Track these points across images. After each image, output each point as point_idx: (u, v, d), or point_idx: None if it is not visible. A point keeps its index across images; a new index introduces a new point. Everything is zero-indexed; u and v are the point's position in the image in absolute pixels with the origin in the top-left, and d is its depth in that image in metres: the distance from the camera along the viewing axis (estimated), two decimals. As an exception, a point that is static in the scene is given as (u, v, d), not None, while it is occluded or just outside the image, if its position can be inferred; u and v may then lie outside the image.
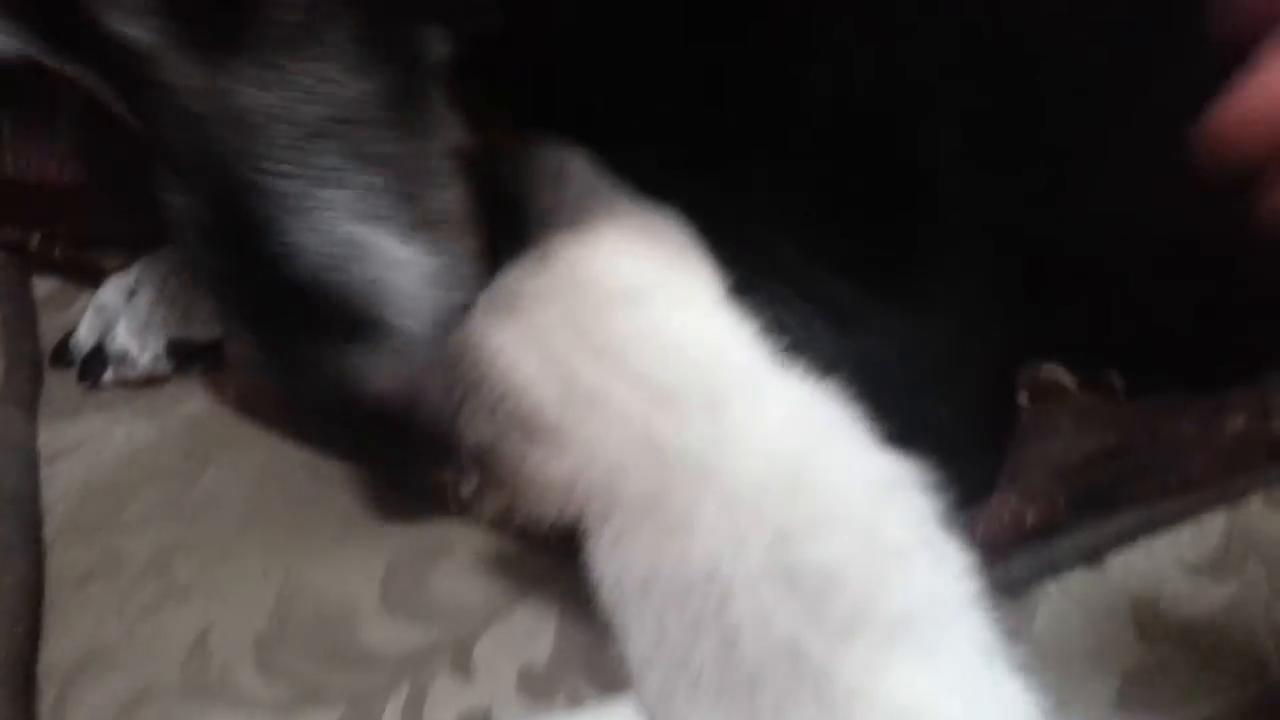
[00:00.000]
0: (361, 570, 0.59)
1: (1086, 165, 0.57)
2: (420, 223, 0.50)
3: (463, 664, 0.56)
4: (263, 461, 0.67)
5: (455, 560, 0.60)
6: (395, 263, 0.49)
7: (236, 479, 0.66)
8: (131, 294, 0.75)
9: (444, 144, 0.52)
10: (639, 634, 0.43)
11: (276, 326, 0.50)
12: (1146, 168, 0.54)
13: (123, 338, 0.73)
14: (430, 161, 0.51)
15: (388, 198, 0.49)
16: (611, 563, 0.44)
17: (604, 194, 0.50)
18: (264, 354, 0.52)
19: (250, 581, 0.60)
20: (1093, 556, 0.60)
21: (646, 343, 0.45)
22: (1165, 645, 0.58)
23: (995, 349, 0.62)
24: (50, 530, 0.66)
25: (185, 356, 0.73)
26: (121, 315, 0.74)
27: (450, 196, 0.52)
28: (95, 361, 0.74)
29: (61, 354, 0.76)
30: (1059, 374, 0.69)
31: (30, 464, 0.70)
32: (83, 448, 0.70)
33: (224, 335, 0.73)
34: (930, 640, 0.43)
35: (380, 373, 0.50)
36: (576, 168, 0.51)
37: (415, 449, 0.58)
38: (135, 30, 0.43)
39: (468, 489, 0.61)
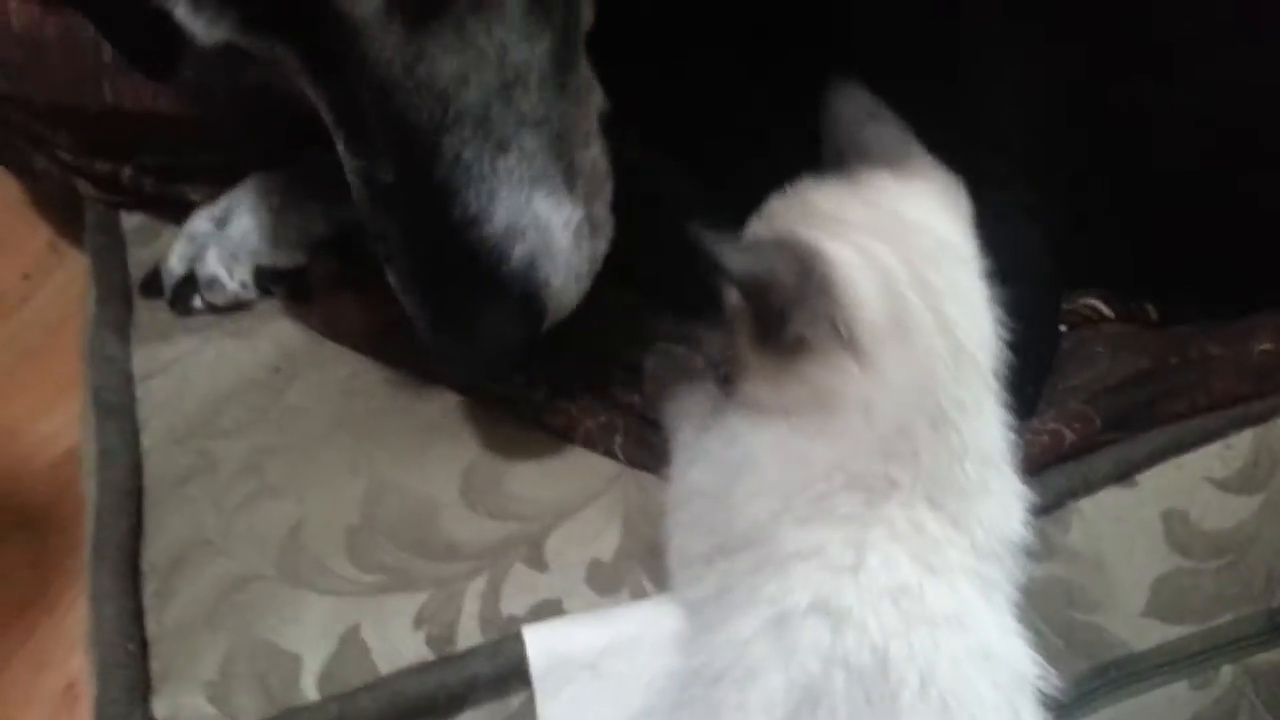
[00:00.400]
0: (443, 471, 0.64)
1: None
2: (573, 180, 0.55)
3: (536, 558, 0.61)
4: (345, 377, 0.71)
5: (529, 463, 0.64)
6: (558, 224, 0.54)
7: (322, 392, 0.71)
8: (221, 223, 0.79)
9: (592, 105, 0.57)
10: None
11: (450, 289, 0.54)
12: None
13: (212, 265, 0.78)
14: (582, 122, 0.56)
15: (550, 160, 0.54)
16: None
17: (909, 141, 0.54)
18: (429, 314, 0.55)
19: (339, 481, 0.64)
20: (1126, 474, 0.64)
21: (963, 299, 0.50)
22: (1194, 555, 0.62)
23: (1048, 276, 0.66)
24: (147, 440, 0.70)
25: (270, 282, 0.78)
26: (211, 243, 0.78)
27: (596, 153, 0.57)
28: (186, 288, 0.78)
29: (151, 284, 0.81)
30: (1097, 304, 0.73)
31: (126, 380, 0.74)
32: (175, 366, 0.74)
33: (307, 262, 0.78)
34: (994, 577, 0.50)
35: (532, 327, 0.55)
36: (887, 113, 0.55)
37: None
38: (354, 5, 0.48)
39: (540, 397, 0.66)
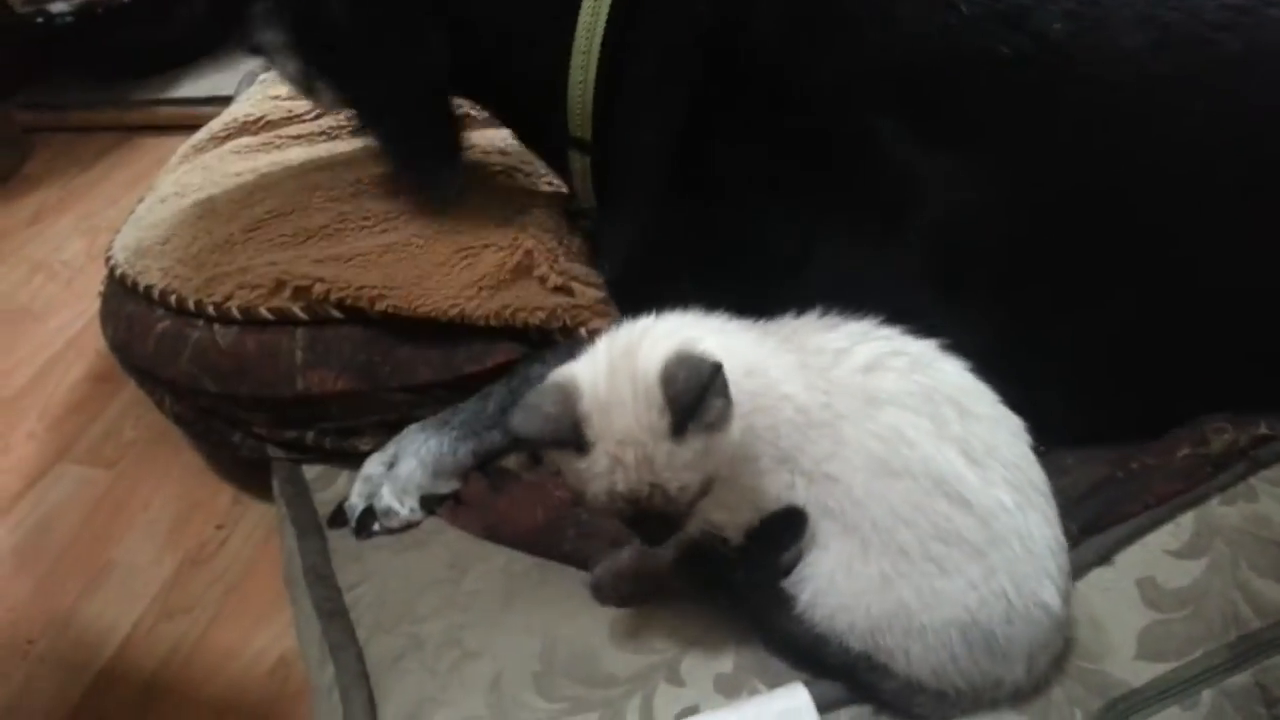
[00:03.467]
0: (596, 625, 0.86)
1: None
2: None
3: (675, 677, 0.82)
4: (504, 564, 0.94)
5: (660, 611, 0.86)
6: None
7: (489, 578, 0.93)
8: (390, 465, 1.04)
9: None
10: None
11: None
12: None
13: (387, 498, 1.02)
14: None
15: None
16: None
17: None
18: None
19: (520, 641, 0.86)
20: (1104, 558, 0.86)
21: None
22: (1164, 609, 0.83)
23: None
24: (362, 633, 0.92)
25: (434, 505, 1.02)
26: (385, 482, 1.02)
27: None
28: (367, 517, 1.02)
29: (336, 518, 1.04)
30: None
31: (336, 591, 0.97)
32: (370, 578, 0.97)
33: (461, 485, 1.02)
34: None
35: None
36: None
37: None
38: None
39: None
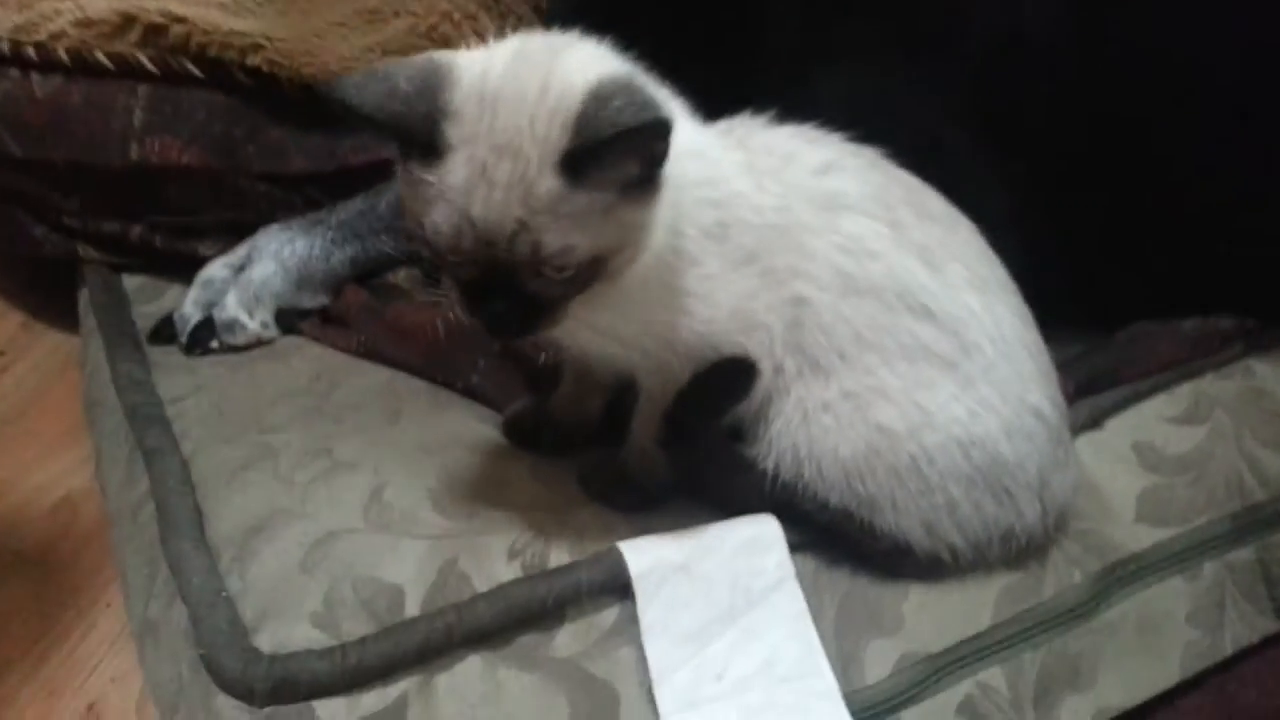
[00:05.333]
0: (514, 453, 0.69)
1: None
2: None
3: (604, 498, 0.65)
4: (387, 380, 0.76)
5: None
6: None
7: (370, 392, 0.74)
8: (240, 270, 0.83)
9: None
10: None
11: None
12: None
13: (232, 309, 0.81)
14: None
15: None
16: None
17: None
18: None
19: (413, 456, 0.67)
20: (1095, 422, 0.75)
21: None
22: (1164, 472, 0.73)
23: None
24: (188, 446, 0.71)
25: (294, 320, 0.82)
26: (231, 289, 0.82)
27: None
28: (203, 331, 0.81)
29: (161, 332, 0.82)
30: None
31: (157, 399, 0.75)
32: (204, 389, 0.76)
33: (333, 298, 0.82)
34: None
35: None
36: None
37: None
38: None
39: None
